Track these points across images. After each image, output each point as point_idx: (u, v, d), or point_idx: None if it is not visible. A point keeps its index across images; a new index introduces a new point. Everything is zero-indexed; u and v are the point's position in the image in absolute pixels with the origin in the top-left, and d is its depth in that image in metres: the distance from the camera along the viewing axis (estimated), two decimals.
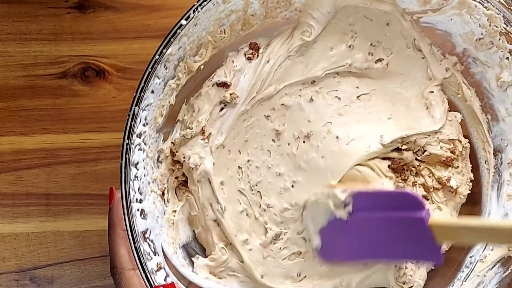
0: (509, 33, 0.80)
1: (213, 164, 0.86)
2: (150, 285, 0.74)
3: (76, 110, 0.98)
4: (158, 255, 0.77)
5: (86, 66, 0.99)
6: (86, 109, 0.98)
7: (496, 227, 0.68)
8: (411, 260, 0.81)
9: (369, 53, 0.89)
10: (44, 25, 0.99)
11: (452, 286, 0.88)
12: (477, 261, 0.87)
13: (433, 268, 0.90)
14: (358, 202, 0.78)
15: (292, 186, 0.87)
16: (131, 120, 0.73)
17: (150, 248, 0.76)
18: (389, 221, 0.76)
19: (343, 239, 0.81)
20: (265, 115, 0.87)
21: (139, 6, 0.99)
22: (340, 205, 0.79)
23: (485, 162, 0.90)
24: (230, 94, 0.85)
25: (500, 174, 0.89)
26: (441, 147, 0.88)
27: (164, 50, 0.75)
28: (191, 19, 0.75)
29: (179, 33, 0.75)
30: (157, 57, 0.74)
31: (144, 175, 0.77)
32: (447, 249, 0.89)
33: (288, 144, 0.88)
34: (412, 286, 0.87)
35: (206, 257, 0.87)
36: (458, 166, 0.89)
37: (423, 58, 0.89)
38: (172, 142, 0.85)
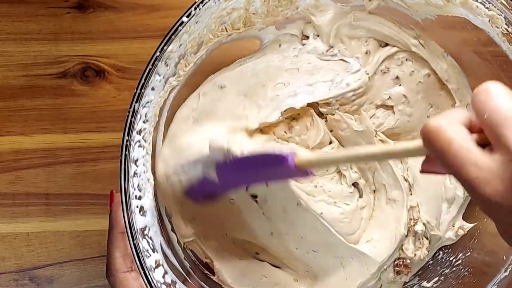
0: (511, 34, 0.80)
1: None
2: (149, 282, 0.73)
3: (76, 110, 0.98)
4: (157, 252, 0.77)
5: (86, 66, 0.99)
6: (86, 109, 0.98)
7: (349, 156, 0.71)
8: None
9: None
10: (44, 25, 0.99)
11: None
12: None
13: None
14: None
15: None
16: (131, 117, 0.73)
17: (149, 245, 0.76)
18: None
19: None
20: None
21: (139, 6, 0.99)
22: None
23: None
24: None
25: None
26: None
27: (165, 47, 0.74)
28: (192, 16, 0.75)
29: (180, 30, 0.75)
30: (158, 54, 0.74)
31: (144, 172, 0.77)
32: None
33: None
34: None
35: None
36: None
37: None
38: None
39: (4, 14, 0.99)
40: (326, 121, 0.89)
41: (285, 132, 0.88)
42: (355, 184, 0.90)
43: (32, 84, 0.98)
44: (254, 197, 0.87)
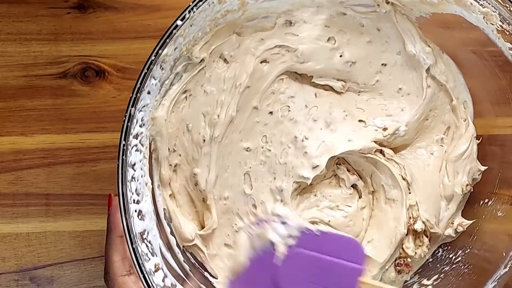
0: (505, 31, 0.79)
1: None
2: (149, 286, 0.74)
3: (76, 110, 0.98)
4: (156, 255, 0.77)
5: (86, 66, 0.99)
6: (86, 109, 0.98)
7: None
8: None
9: None
10: (44, 25, 0.99)
11: None
12: None
13: None
14: (303, 239, 0.82)
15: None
16: (128, 121, 0.73)
17: (148, 249, 0.76)
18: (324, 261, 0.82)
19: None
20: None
21: (139, 6, 0.99)
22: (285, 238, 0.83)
23: None
24: None
25: None
26: None
27: (160, 51, 0.74)
28: (186, 20, 0.75)
29: (175, 33, 0.74)
30: (152, 57, 0.74)
31: (141, 176, 0.77)
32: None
33: None
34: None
35: None
36: None
37: None
38: None
39: (4, 14, 0.99)
40: None
41: None
42: (353, 186, 0.90)
43: (32, 84, 0.98)
44: None
